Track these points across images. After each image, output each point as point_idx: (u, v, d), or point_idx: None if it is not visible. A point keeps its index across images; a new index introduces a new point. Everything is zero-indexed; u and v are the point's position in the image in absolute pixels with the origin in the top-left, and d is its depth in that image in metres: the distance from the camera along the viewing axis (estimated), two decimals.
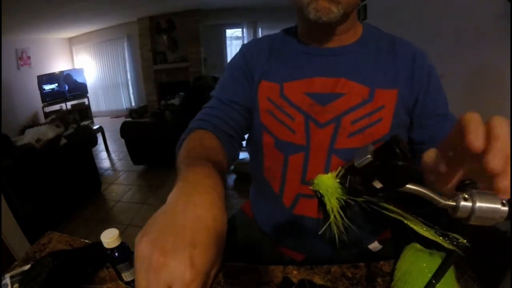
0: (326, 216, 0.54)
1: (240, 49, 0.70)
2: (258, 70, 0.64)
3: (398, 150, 0.28)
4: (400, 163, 0.28)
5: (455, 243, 0.29)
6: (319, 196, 0.51)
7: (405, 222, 0.33)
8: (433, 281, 0.28)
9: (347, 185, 0.36)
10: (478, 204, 0.26)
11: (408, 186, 0.28)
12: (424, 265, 0.50)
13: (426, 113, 0.58)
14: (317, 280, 0.56)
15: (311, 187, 0.52)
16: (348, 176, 0.35)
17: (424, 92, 0.57)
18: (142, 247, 0.25)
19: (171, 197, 0.30)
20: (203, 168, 0.35)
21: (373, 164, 0.31)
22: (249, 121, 0.67)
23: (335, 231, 0.53)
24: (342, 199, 0.47)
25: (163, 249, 0.24)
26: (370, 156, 0.31)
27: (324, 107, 0.58)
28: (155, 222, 0.27)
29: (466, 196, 0.27)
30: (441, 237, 0.31)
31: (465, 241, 0.28)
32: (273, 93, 0.62)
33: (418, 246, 0.52)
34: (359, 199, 0.42)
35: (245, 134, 0.69)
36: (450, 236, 0.30)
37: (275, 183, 0.65)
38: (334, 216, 0.50)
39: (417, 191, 0.28)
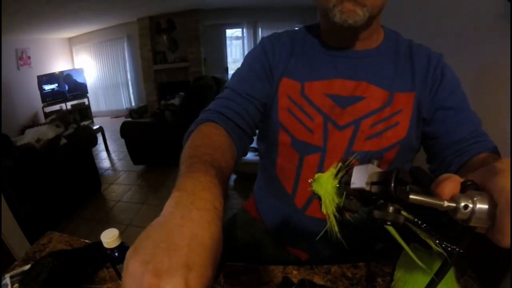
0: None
1: (261, 43, 0.68)
2: (279, 66, 0.63)
3: (393, 193, 0.26)
4: (389, 222, 0.27)
5: (449, 248, 0.29)
6: (319, 197, 0.50)
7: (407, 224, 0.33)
8: None
9: (342, 203, 0.35)
10: (479, 205, 0.26)
11: (411, 197, 0.27)
12: (423, 265, 0.49)
13: (438, 107, 0.57)
14: (317, 280, 0.56)
15: (310, 189, 0.52)
16: (344, 193, 0.35)
17: (436, 87, 0.57)
18: (134, 266, 0.24)
19: (167, 207, 0.29)
20: (205, 177, 0.34)
21: (369, 192, 0.30)
22: (263, 118, 0.65)
23: (334, 234, 0.53)
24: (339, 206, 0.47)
25: (156, 271, 0.23)
26: (366, 187, 0.30)
27: (344, 109, 0.58)
28: (149, 237, 0.26)
29: (467, 197, 0.27)
30: (437, 241, 0.30)
31: (461, 250, 0.28)
32: (293, 91, 0.61)
33: (417, 246, 0.52)
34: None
35: (257, 130, 0.66)
36: (444, 243, 0.30)
37: (288, 183, 0.65)
38: (333, 220, 0.50)
39: (421, 201, 0.28)
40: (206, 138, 0.48)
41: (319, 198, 0.40)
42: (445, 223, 0.31)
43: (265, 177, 0.75)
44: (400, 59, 0.59)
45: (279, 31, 0.69)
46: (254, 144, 0.75)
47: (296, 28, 0.69)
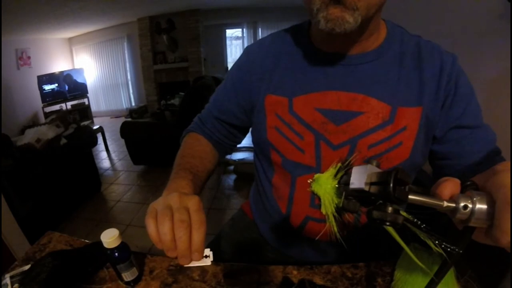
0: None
1: (244, 54, 0.63)
2: (263, 82, 0.58)
3: (392, 193, 0.26)
4: (387, 223, 0.27)
5: (448, 249, 0.29)
6: (318, 197, 0.50)
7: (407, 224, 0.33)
8: None
9: (341, 204, 0.35)
10: (478, 205, 0.26)
11: (410, 197, 0.27)
12: (424, 265, 0.50)
13: (452, 126, 0.51)
14: (317, 280, 0.56)
15: (309, 189, 0.52)
16: (344, 192, 0.35)
17: (450, 102, 0.50)
18: (153, 205, 0.39)
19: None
20: (184, 180, 0.51)
21: (368, 193, 0.30)
22: (238, 133, 0.70)
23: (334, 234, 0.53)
24: (339, 206, 0.47)
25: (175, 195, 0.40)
26: (365, 188, 0.30)
27: (338, 126, 0.52)
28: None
29: (466, 197, 0.27)
30: (436, 241, 0.30)
31: (461, 251, 0.28)
32: (281, 108, 0.55)
33: (417, 246, 0.52)
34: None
35: (238, 137, 0.73)
36: (444, 243, 0.30)
37: (282, 203, 0.62)
38: (333, 220, 0.50)
39: (420, 201, 0.28)
40: (189, 149, 0.62)
41: (319, 198, 0.40)
42: (445, 224, 0.31)
43: (260, 191, 0.71)
44: (405, 65, 0.51)
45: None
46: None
47: (284, 29, 0.61)
